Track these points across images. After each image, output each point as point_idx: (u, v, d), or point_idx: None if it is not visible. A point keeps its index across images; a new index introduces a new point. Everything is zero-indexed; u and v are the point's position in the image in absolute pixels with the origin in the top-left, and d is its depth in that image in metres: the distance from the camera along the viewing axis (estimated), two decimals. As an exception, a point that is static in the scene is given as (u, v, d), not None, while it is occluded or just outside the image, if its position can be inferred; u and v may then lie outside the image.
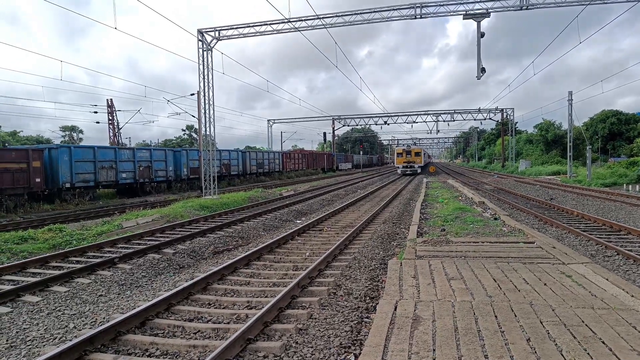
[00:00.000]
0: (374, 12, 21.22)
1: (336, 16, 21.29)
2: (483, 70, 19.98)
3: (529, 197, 21.01)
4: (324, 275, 7.55)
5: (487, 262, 6.67)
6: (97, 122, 44.49)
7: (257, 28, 22.08)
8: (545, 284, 5.43)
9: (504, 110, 58.80)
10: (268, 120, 64.44)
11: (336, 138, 77.78)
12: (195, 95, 30.48)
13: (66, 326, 5.63)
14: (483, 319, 4.29)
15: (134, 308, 5.97)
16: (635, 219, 13.55)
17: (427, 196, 19.93)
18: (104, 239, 11.12)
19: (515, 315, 4.37)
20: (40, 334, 5.38)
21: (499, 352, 3.55)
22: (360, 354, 3.91)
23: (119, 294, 7.13)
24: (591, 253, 9.42)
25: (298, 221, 14.96)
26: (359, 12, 21.21)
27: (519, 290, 5.20)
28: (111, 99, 43.25)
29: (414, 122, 60.32)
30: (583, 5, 19.09)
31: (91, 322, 5.72)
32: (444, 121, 59.76)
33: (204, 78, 21.82)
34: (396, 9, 20.97)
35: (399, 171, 48.59)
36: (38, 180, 18.84)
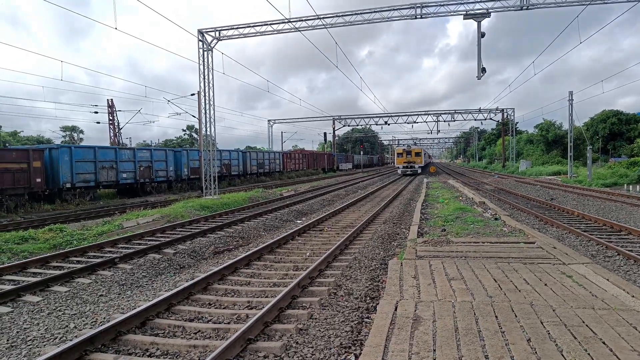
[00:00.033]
0: (375, 12, 21.22)
1: (336, 16, 21.29)
2: (483, 70, 19.98)
3: (529, 197, 20.99)
4: (325, 275, 7.55)
5: (488, 263, 6.67)
6: (98, 123, 44.55)
7: (258, 28, 22.08)
8: (545, 284, 5.43)
9: (505, 111, 58.78)
10: (268, 121, 64.51)
11: (337, 138, 77.77)
12: (196, 96, 30.49)
13: (67, 326, 5.63)
14: (483, 319, 4.29)
15: (135, 308, 5.98)
16: (635, 219, 13.53)
17: (427, 196, 19.93)
18: (104, 239, 11.13)
19: (516, 316, 4.37)
20: (41, 334, 5.38)
21: (500, 353, 3.55)
22: (360, 354, 3.91)
23: (119, 294, 7.13)
24: (592, 253, 9.41)
25: (298, 221, 14.96)
26: (359, 12, 21.21)
27: (519, 291, 5.20)
28: (111, 99, 43.31)
29: (415, 122, 60.30)
30: (583, 5, 19.08)
31: (92, 322, 5.73)
32: (444, 121, 59.76)
33: (204, 78, 21.83)
34: (396, 9, 20.97)
35: (399, 171, 48.28)
36: (39, 180, 18.85)
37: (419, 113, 60.18)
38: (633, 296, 4.90)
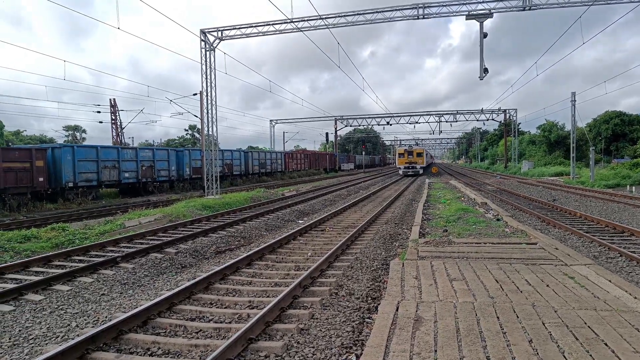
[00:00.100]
0: (377, 12, 21.21)
1: (339, 16, 21.29)
2: (486, 70, 19.95)
3: (531, 198, 20.95)
4: (326, 275, 7.55)
5: (490, 263, 6.66)
6: (100, 122, 44.54)
7: (260, 28, 22.10)
8: (547, 285, 5.42)
9: (507, 111, 58.69)
10: (270, 121, 64.56)
11: (338, 138, 77.75)
12: (198, 95, 30.53)
13: (68, 325, 5.65)
14: (485, 320, 4.29)
15: (136, 307, 5.98)
16: (638, 221, 13.49)
17: (429, 197, 19.91)
18: (106, 238, 11.15)
19: (518, 317, 4.36)
20: (43, 333, 5.40)
21: (501, 354, 3.54)
22: (361, 354, 3.90)
23: (121, 293, 7.15)
24: (594, 254, 9.39)
25: (300, 221, 14.96)
26: (361, 12, 21.21)
27: (521, 292, 5.19)
28: (114, 99, 43.31)
29: (417, 122, 60.23)
30: (587, 5, 19.04)
31: (93, 321, 5.74)
32: (446, 122, 59.70)
33: (206, 78, 21.86)
34: (399, 9, 20.97)
35: (400, 172, 47.85)
36: (41, 179, 18.91)
37: (421, 113, 60.14)
38: (635, 297, 4.89)
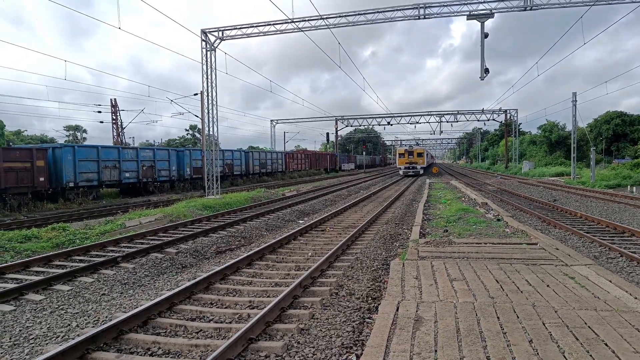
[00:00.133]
0: (378, 12, 21.22)
1: (339, 16, 21.30)
2: (487, 70, 19.94)
3: (532, 199, 20.94)
4: (326, 275, 7.55)
5: (490, 263, 6.66)
6: (101, 122, 44.59)
7: (261, 28, 22.11)
8: (548, 286, 5.42)
9: (508, 111, 58.66)
10: (271, 121, 64.58)
11: (339, 138, 77.78)
12: (199, 95, 30.55)
13: (69, 325, 5.65)
14: (485, 320, 4.28)
15: (137, 307, 5.99)
16: (639, 221, 13.48)
17: (430, 197, 19.90)
18: (107, 238, 11.16)
19: (518, 317, 4.36)
20: (43, 333, 5.40)
21: (501, 354, 3.54)
22: (362, 354, 3.90)
23: (121, 293, 7.15)
24: (594, 255, 9.38)
25: (300, 221, 14.96)
26: (362, 12, 21.21)
27: (521, 292, 5.19)
28: (115, 99, 43.33)
29: (417, 122, 60.28)
30: (588, 5, 19.03)
31: (94, 321, 5.74)
32: (447, 122, 59.70)
33: (207, 78, 21.87)
34: (400, 10, 20.97)
35: (400, 172, 47.49)
36: (42, 179, 18.93)
37: (422, 113, 60.13)
38: (636, 298, 4.88)
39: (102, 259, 8.72)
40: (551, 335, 3.88)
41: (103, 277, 7.81)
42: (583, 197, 21.15)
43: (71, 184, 20.53)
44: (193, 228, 13.12)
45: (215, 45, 22.17)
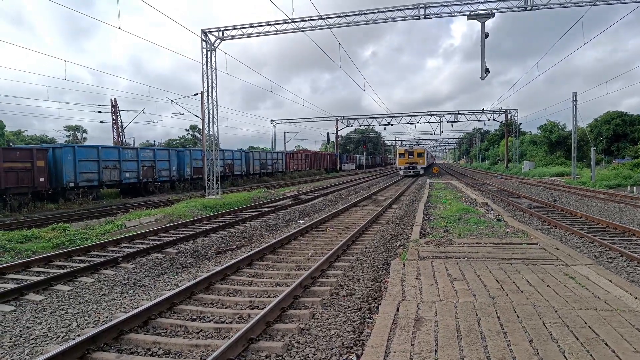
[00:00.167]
0: (378, 12, 21.22)
1: (340, 16, 21.30)
2: (487, 70, 19.93)
3: (532, 198, 20.94)
4: (327, 275, 7.55)
5: (490, 263, 6.66)
6: (101, 122, 44.59)
7: (261, 28, 22.12)
8: (548, 286, 5.42)
9: (508, 111, 58.65)
10: (272, 121, 64.60)
11: (339, 138, 77.78)
12: (199, 96, 30.54)
13: (69, 325, 5.65)
14: (485, 320, 4.28)
15: (137, 307, 5.99)
16: (639, 221, 13.47)
17: (430, 197, 19.90)
18: (107, 239, 11.16)
19: (518, 317, 4.36)
20: (44, 333, 5.41)
21: (502, 353, 3.54)
22: (362, 354, 3.90)
23: (122, 293, 7.16)
24: (595, 254, 9.38)
25: (301, 221, 14.96)
26: (362, 12, 21.21)
27: (521, 292, 5.19)
28: (115, 99, 43.34)
29: (418, 122, 60.27)
30: (588, 5, 19.02)
31: (94, 321, 5.75)
32: (447, 122, 59.69)
33: (207, 78, 21.87)
34: (400, 10, 20.97)
35: (400, 172, 47.06)
36: (42, 179, 18.93)
37: (422, 113, 60.13)
38: (636, 297, 4.88)
39: (102, 259, 8.73)
40: (551, 335, 3.89)
41: (103, 277, 7.81)
42: (583, 197, 21.15)
43: (71, 184, 20.53)
44: (193, 228, 13.13)
45: (216, 45, 22.18)
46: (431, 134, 64.85)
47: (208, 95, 21.96)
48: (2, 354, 4.84)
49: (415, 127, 61.69)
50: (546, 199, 20.34)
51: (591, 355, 3.47)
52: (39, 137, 65.43)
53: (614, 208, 16.72)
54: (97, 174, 22.10)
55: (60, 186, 20.21)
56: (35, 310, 6.24)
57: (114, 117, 43.31)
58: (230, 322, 5.49)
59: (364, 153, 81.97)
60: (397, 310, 4.69)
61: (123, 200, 23.92)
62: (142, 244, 10.75)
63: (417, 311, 4.63)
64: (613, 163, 40.97)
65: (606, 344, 3.66)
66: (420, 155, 46.71)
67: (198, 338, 5.03)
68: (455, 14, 20.45)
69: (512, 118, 59.34)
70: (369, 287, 6.80)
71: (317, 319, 5.47)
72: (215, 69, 22.09)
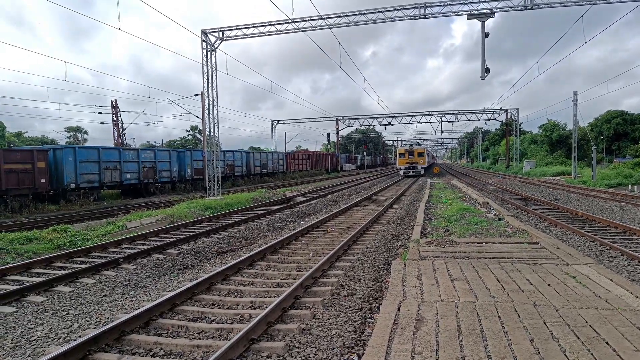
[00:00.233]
0: (378, 12, 21.22)
1: (340, 16, 21.30)
2: (487, 70, 19.94)
3: (533, 198, 20.92)
4: (328, 275, 7.55)
5: (491, 263, 6.66)
6: (102, 123, 44.69)
7: (261, 28, 22.13)
8: (549, 285, 5.42)
9: (509, 111, 58.62)
10: (272, 121, 64.63)
11: (340, 139, 77.79)
12: (199, 96, 30.55)
13: (70, 326, 5.66)
14: (486, 320, 4.29)
15: (138, 308, 6.00)
16: (640, 220, 13.46)
17: (431, 197, 19.90)
18: (108, 240, 11.17)
19: (519, 316, 4.36)
20: (45, 334, 5.41)
21: (502, 353, 3.54)
22: (363, 354, 3.91)
23: (123, 294, 7.16)
24: (595, 254, 9.38)
25: (302, 222, 14.97)
26: (362, 12, 21.22)
27: (522, 291, 5.19)
28: (115, 100, 43.41)
29: (418, 122, 60.26)
30: (588, 4, 19.01)
31: (95, 322, 5.75)
32: (448, 122, 59.66)
33: (207, 79, 21.89)
34: (400, 9, 20.97)
35: (400, 172, 46.40)
36: (43, 180, 18.95)
37: (423, 113, 60.11)
38: (637, 296, 4.88)
39: (103, 260, 8.74)
40: (552, 334, 3.89)
41: (105, 278, 7.82)
42: (584, 197, 21.13)
43: (72, 186, 20.54)
44: (194, 229, 13.14)
45: (216, 45, 22.19)
46: (432, 133, 64.93)
47: (208, 96, 21.98)
48: (3, 355, 4.84)
49: (416, 127, 61.89)
50: (547, 199, 20.33)
51: (592, 354, 3.47)
52: (40, 138, 65.50)
53: (615, 207, 16.71)
54: (98, 175, 22.11)
55: (61, 187, 20.23)
56: (36, 311, 6.24)
57: (115, 118, 43.36)
58: (232, 323, 5.50)
59: (365, 153, 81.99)
60: (398, 310, 4.69)
61: (124, 201, 23.94)
62: (143, 244, 10.76)
63: (418, 311, 4.63)
64: (614, 162, 40.91)
65: (607, 343, 3.66)
66: (420, 155, 46.02)
67: (199, 338, 5.03)
68: (456, 13, 20.44)
69: (512, 117, 59.35)
70: (370, 287, 6.80)
71: (318, 319, 5.47)
72: (216, 69, 22.12)
